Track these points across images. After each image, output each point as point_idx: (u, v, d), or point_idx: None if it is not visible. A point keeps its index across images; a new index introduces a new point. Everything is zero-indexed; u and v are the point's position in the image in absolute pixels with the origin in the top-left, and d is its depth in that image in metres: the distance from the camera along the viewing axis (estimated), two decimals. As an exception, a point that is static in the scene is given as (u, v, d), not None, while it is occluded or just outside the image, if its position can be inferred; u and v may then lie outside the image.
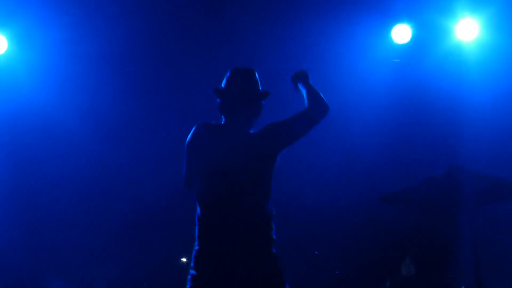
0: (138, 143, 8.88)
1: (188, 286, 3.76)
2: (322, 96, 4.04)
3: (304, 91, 4.14)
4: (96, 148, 8.72)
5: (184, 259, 9.08)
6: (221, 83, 4.05)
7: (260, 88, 4.10)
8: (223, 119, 4.04)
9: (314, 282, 7.31)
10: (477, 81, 8.01)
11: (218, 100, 4.05)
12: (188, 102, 8.60)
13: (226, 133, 3.94)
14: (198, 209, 3.85)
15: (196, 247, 3.82)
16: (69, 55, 8.00)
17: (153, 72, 8.48)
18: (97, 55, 8.07)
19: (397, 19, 7.77)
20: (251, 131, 4.02)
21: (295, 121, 3.93)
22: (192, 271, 3.77)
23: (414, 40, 7.86)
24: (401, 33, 7.80)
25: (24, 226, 8.65)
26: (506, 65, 8.07)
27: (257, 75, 4.10)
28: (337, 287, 7.42)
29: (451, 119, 8.36)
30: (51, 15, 7.52)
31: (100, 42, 7.93)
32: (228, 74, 4.08)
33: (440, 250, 8.00)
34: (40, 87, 8.16)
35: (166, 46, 8.14)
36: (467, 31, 7.71)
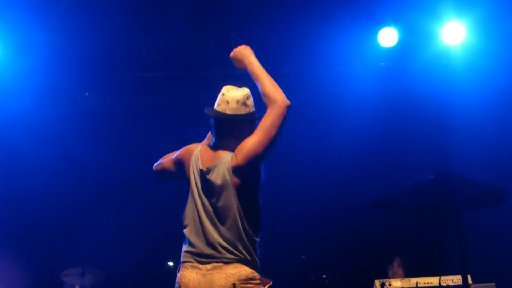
0: (130, 146, 8.88)
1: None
2: (274, 82, 3.95)
3: (255, 77, 3.99)
4: (83, 151, 8.71)
5: (171, 263, 9.02)
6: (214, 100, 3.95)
7: (254, 110, 3.96)
8: (213, 140, 3.99)
9: (302, 286, 7.30)
10: (464, 84, 8.06)
11: (210, 120, 3.97)
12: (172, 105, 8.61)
13: (210, 157, 3.90)
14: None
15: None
16: (57, 58, 7.99)
17: (144, 75, 8.48)
18: (86, 58, 8.06)
19: (383, 22, 7.78)
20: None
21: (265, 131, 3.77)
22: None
23: (400, 43, 7.87)
24: (388, 37, 7.81)
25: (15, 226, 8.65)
26: (492, 68, 8.13)
27: (250, 95, 3.95)
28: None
29: (438, 123, 8.40)
30: (38, 18, 7.49)
31: (88, 45, 7.93)
32: (220, 94, 3.95)
33: (428, 255, 8.04)
34: (29, 90, 8.18)
35: (158, 46, 8.12)
36: (454, 34, 7.74)
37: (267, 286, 3.75)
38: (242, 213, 3.75)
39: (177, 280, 3.78)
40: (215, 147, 3.95)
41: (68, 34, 7.75)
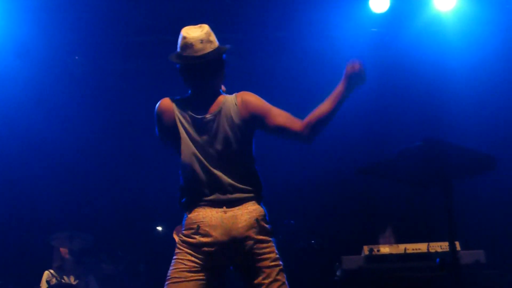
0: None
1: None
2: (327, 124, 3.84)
3: (333, 101, 3.85)
4: (76, 114, 8.70)
5: (160, 228, 9.06)
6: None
7: (218, 43, 3.86)
8: (191, 88, 3.90)
9: (290, 252, 7.32)
10: (456, 50, 8.03)
11: (177, 65, 3.86)
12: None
13: (203, 105, 3.83)
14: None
15: None
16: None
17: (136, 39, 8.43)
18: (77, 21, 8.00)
19: (375, -12, 7.74)
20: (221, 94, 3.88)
21: (280, 126, 3.77)
22: None
23: (392, 9, 7.83)
24: (379, 2, 7.78)
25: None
26: (484, 33, 8.09)
27: (210, 30, 3.83)
28: (313, 257, 7.43)
29: (430, 90, 8.38)
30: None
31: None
32: (181, 37, 3.81)
33: (417, 221, 8.07)
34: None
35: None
36: (445, 0, 7.71)
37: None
38: (247, 155, 3.82)
39: (189, 221, 3.73)
40: (199, 94, 3.87)
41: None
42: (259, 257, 3.69)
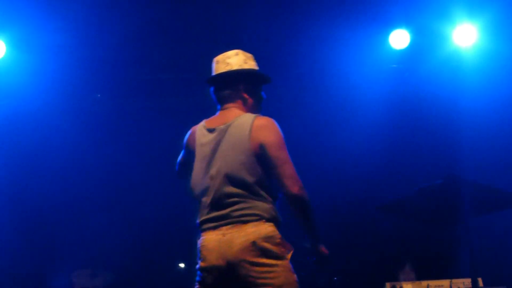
0: (138, 147, 8.87)
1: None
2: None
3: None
4: (92, 152, 8.73)
5: (182, 265, 9.05)
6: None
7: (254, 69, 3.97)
8: (218, 108, 3.97)
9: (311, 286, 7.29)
10: (476, 87, 7.98)
11: (210, 89, 4.01)
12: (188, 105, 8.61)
13: (219, 120, 3.87)
14: None
15: None
16: (67, 59, 8.01)
17: (153, 75, 8.48)
18: (95, 59, 8.07)
19: (395, 24, 7.75)
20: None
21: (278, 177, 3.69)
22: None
23: (412, 45, 7.82)
24: (399, 39, 7.78)
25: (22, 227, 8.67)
26: (504, 70, 8.06)
27: (233, 53, 3.95)
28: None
29: (449, 127, 8.34)
30: (49, 19, 7.52)
31: (98, 46, 7.95)
32: (214, 63, 4.00)
33: (439, 259, 8.01)
34: (38, 91, 8.18)
35: (166, 48, 8.13)
36: (465, 36, 7.70)
37: (290, 254, 3.67)
38: (259, 173, 3.69)
39: (198, 246, 3.71)
40: (221, 113, 3.92)
41: (78, 34, 7.79)
42: (258, 282, 3.53)
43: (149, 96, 8.74)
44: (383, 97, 8.26)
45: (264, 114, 3.87)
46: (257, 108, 3.99)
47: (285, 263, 3.60)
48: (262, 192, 3.69)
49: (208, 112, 4.02)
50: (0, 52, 7.62)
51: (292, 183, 3.64)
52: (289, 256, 3.66)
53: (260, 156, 3.68)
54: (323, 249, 3.78)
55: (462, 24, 7.64)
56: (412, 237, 8.10)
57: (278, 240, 3.61)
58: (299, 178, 3.67)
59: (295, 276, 3.61)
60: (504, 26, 7.62)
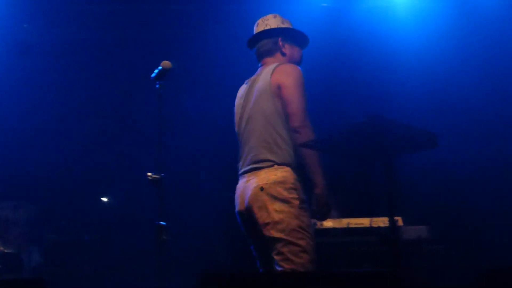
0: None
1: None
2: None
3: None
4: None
5: (105, 199, 8.94)
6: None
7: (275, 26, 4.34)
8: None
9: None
10: (407, 27, 8.05)
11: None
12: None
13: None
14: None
15: None
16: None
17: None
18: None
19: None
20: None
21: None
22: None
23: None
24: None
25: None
26: (437, 10, 8.11)
27: (270, 17, 4.38)
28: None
29: (379, 68, 8.40)
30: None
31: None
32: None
33: (361, 196, 8.16)
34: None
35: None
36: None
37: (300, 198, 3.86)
38: (276, 118, 3.99)
39: None
40: (260, 69, 4.31)
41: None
42: (261, 222, 3.83)
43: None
44: (312, 36, 8.23)
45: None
46: (296, 62, 4.36)
47: (292, 209, 3.82)
48: (278, 137, 3.97)
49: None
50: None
51: (295, 120, 3.94)
52: (298, 202, 3.85)
53: (279, 98, 4.02)
54: (321, 196, 3.92)
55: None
56: (334, 174, 8.21)
57: (289, 185, 3.75)
58: (306, 118, 3.98)
59: (298, 222, 3.84)
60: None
